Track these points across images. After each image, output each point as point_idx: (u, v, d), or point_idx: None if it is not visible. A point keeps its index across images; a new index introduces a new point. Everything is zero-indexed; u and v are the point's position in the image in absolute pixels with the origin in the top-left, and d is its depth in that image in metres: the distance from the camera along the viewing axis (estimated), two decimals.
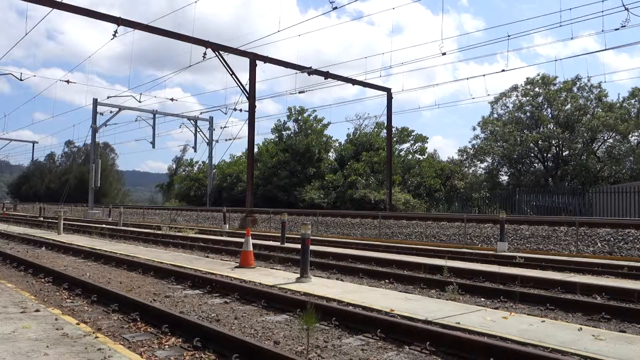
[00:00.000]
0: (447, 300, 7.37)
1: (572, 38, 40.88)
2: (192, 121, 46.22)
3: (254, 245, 12.07)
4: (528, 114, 40.49)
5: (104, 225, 25.22)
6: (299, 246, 9.28)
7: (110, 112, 40.81)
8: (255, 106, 26.82)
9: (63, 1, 21.37)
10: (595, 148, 38.46)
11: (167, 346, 4.96)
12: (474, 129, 44.18)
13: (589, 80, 38.34)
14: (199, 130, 47.22)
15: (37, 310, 5.90)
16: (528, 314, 6.56)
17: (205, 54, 24.54)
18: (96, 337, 4.78)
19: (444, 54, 21.06)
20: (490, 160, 43.09)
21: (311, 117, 45.91)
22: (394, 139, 40.83)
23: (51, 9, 20.92)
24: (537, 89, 40.25)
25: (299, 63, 28.30)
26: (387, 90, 32.62)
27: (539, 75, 40.29)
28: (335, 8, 18.39)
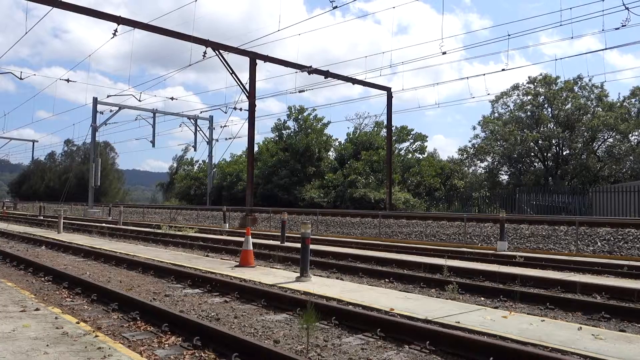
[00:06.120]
0: (447, 299, 7.37)
1: (572, 37, 40.88)
2: (192, 120, 46.23)
3: (254, 244, 12.08)
4: (529, 113, 40.48)
5: (103, 224, 25.22)
6: (298, 245, 9.28)
7: (111, 110, 40.86)
8: (255, 105, 26.83)
9: (64, 0, 21.36)
10: (596, 147, 38.46)
11: (167, 345, 4.97)
12: (474, 128, 44.23)
13: (590, 80, 38.37)
14: (199, 129, 47.26)
15: (37, 309, 5.90)
16: (528, 313, 6.56)
17: (205, 52, 24.55)
18: (96, 336, 4.79)
19: (444, 53, 21.10)
20: (491, 160, 43.11)
21: (311, 117, 45.94)
22: (394, 137, 40.84)
23: (52, 7, 20.90)
24: (538, 88, 40.24)
25: (304, 62, 28.44)
26: (387, 90, 32.62)
27: (541, 74, 40.32)
28: (335, 7, 18.39)
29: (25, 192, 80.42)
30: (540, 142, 38.80)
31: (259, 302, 7.04)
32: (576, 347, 4.70)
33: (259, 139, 49.95)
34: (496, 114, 43.14)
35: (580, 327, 5.57)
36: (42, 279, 9.08)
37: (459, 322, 5.56)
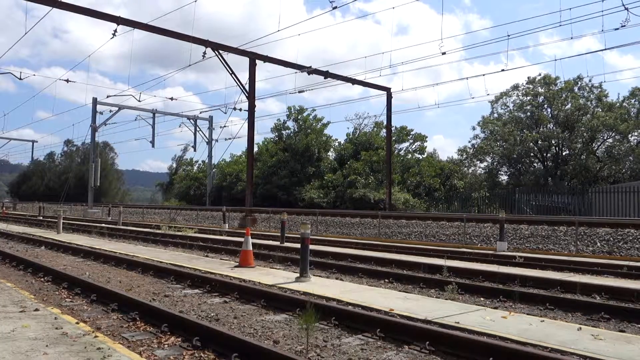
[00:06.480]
0: (446, 299, 7.37)
1: (571, 38, 41.03)
2: (191, 120, 46.24)
3: (254, 244, 12.07)
4: (528, 113, 40.48)
5: (103, 225, 25.21)
6: (298, 245, 9.28)
7: (110, 111, 40.89)
8: (255, 105, 26.83)
9: (63, 0, 21.36)
10: (595, 148, 38.46)
11: (166, 345, 4.96)
12: (474, 128, 44.21)
13: (590, 80, 38.37)
14: (198, 129, 47.26)
15: (37, 310, 5.90)
16: (527, 314, 6.56)
17: (204, 53, 24.54)
18: (95, 337, 4.78)
19: (443, 53, 21.12)
20: (490, 160, 43.09)
21: (311, 117, 45.95)
22: (393, 138, 40.87)
23: (51, 7, 20.90)
24: (538, 89, 40.23)
25: (303, 62, 28.51)
26: (387, 90, 32.63)
27: (540, 74, 40.33)
28: (335, 8, 18.39)
29: (25, 193, 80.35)
30: (539, 142, 38.80)
31: (259, 302, 7.04)
32: (576, 348, 4.70)
33: (258, 139, 49.96)
34: (496, 115, 43.15)
35: (580, 328, 5.57)
36: (42, 279, 9.07)
37: (458, 323, 5.56)
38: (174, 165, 70.51)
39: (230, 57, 26.27)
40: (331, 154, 47.17)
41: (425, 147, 46.09)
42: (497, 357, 4.39)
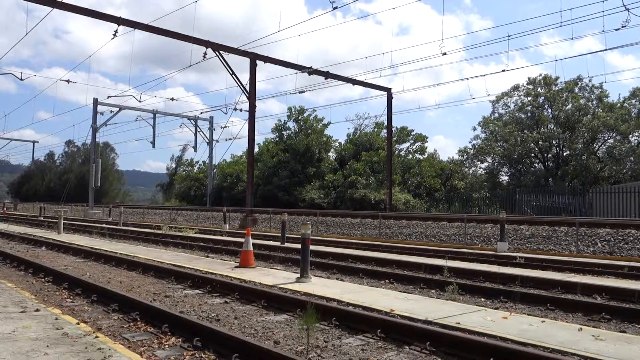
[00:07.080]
0: (447, 300, 7.37)
1: (572, 38, 41.00)
2: (192, 121, 46.23)
3: (254, 245, 12.07)
4: (529, 114, 40.48)
5: (104, 225, 25.21)
6: (299, 246, 9.28)
7: (111, 111, 40.90)
8: (256, 106, 26.83)
9: (64, 1, 21.38)
10: (596, 148, 38.45)
11: (167, 346, 4.97)
12: (475, 129, 44.20)
13: (590, 81, 38.39)
14: (199, 130, 47.26)
15: (37, 310, 5.90)
16: (528, 314, 6.55)
17: (205, 53, 24.55)
18: (96, 337, 4.79)
19: (444, 54, 21.11)
20: (491, 160, 43.09)
21: (311, 117, 45.93)
22: (394, 138, 40.85)
23: (52, 8, 20.92)
24: (538, 89, 40.24)
25: (304, 63, 28.58)
26: (388, 90, 32.63)
27: (540, 75, 40.35)
28: (335, 8, 18.38)
29: (26, 193, 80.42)
30: (540, 142, 38.80)
31: (259, 302, 7.04)
32: (576, 348, 4.70)
33: (259, 139, 49.96)
34: (496, 115, 43.16)
35: (581, 328, 5.57)
36: (42, 279, 9.08)
37: (459, 323, 5.56)
38: (173, 165, 70.55)
39: (230, 58, 26.30)
40: (332, 155, 47.15)
41: (426, 147, 46.07)
42: (498, 358, 4.38)
